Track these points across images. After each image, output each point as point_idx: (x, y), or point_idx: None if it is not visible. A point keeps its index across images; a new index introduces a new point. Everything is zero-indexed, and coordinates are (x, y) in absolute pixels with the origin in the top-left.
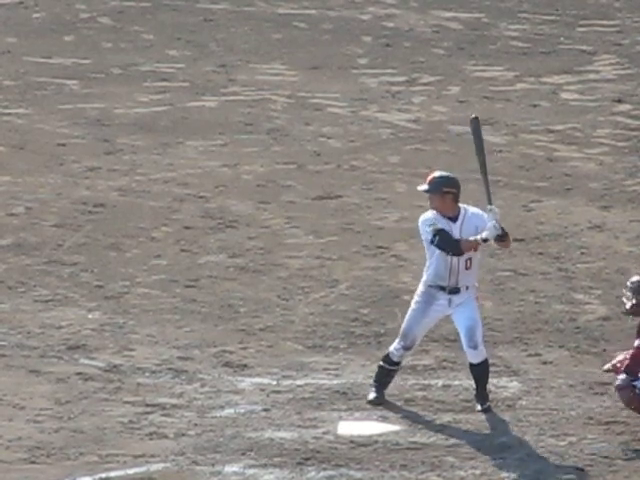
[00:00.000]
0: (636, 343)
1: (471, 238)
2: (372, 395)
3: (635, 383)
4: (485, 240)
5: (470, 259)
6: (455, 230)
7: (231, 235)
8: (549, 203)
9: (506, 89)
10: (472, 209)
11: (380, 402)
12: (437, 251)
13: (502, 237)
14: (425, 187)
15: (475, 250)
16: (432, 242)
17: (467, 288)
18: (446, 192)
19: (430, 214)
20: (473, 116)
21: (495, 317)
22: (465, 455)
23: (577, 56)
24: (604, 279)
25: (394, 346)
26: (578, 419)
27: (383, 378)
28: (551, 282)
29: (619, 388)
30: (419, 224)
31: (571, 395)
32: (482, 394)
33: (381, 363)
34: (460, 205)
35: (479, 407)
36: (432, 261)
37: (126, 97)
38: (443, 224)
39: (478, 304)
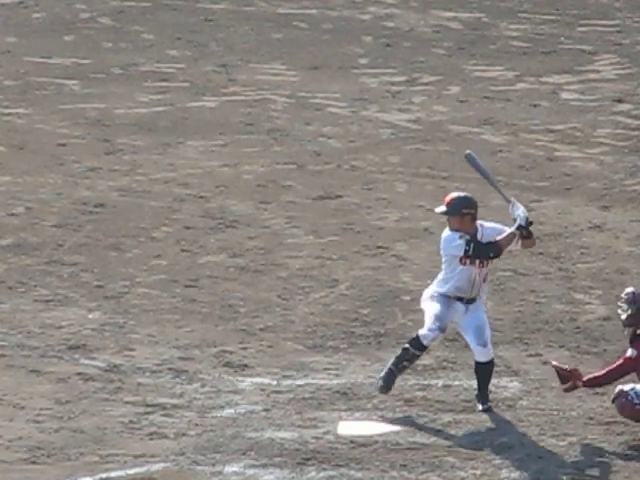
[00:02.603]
0: (628, 353)
1: (504, 234)
2: (381, 383)
3: (627, 390)
4: (520, 228)
5: (487, 274)
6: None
7: (231, 235)
8: (549, 203)
9: (506, 89)
10: (487, 224)
11: (389, 390)
12: (460, 267)
13: (529, 224)
14: (443, 209)
15: (510, 244)
16: (467, 252)
17: (481, 297)
18: (465, 213)
19: (450, 232)
20: (467, 152)
21: (495, 317)
22: (465, 455)
23: (577, 56)
24: (604, 279)
25: (428, 327)
26: (578, 419)
27: (407, 363)
28: (551, 282)
29: (614, 399)
30: (442, 242)
31: (571, 395)
32: (483, 394)
33: (407, 346)
34: (476, 223)
35: (480, 407)
36: (453, 275)
37: (126, 97)
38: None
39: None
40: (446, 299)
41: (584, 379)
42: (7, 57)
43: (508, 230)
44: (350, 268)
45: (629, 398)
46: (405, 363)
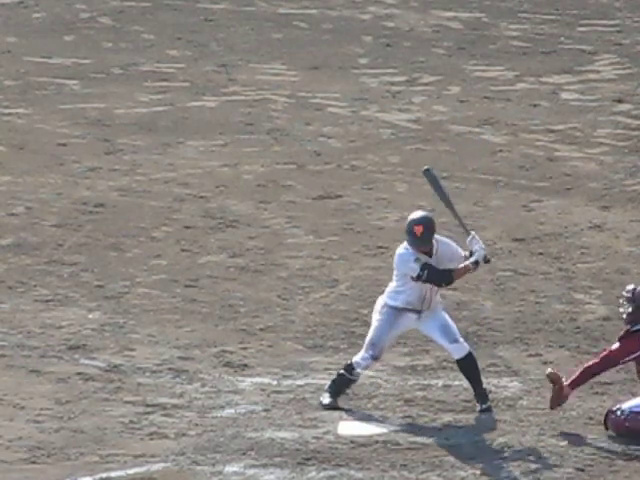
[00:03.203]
0: (613, 346)
1: (461, 266)
2: (327, 399)
3: (615, 409)
4: (476, 263)
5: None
6: (432, 264)
7: (231, 235)
8: (549, 203)
9: (506, 89)
10: (442, 239)
11: (335, 407)
12: (412, 283)
13: (487, 262)
14: (423, 245)
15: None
16: (420, 277)
17: (432, 308)
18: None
19: (405, 250)
20: (425, 168)
21: (495, 317)
22: (465, 455)
23: (577, 56)
24: (604, 279)
25: (361, 356)
26: (578, 419)
27: (342, 387)
28: (551, 282)
29: (605, 419)
30: (396, 258)
31: (571, 395)
32: (481, 393)
33: (342, 372)
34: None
35: (479, 407)
36: (404, 290)
37: (126, 97)
38: (411, 266)
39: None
40: (394, 313)
41: (567, 383)
42: (7, 57)
43: (465, 262)
44: (350, 268)
45: (618, 414)
46: (345, 389)
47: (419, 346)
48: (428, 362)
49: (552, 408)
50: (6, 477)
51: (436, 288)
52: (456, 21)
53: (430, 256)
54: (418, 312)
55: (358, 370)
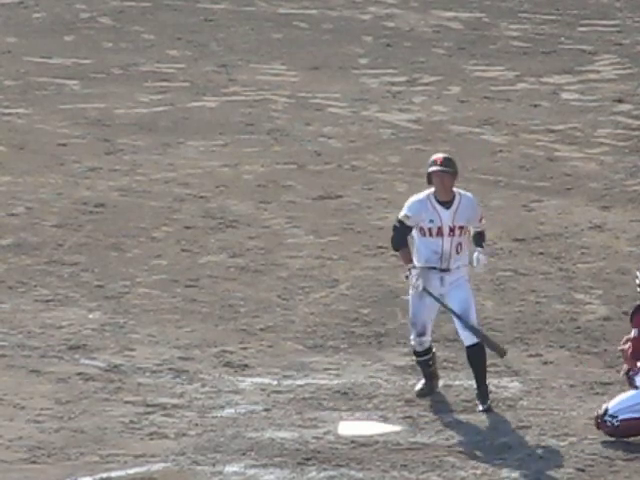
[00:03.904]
0: (632, 333)
1: (407, 266)
2: (418, 386)
3: (606, 418)
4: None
5: (460, 244)
6: (446, 218)
7: (231, 235)
8: (549, 203)
9: (507, 89)
10: (466, 194)
11: (425, 394)
12: (423, 237)
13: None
14: (440, 168)
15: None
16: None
17: (458, 267)
18: (457, 171)
19: (417, 199)
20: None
21: (496, 317)
22: (466, 455)
23: (578, 56)
24: (604, 279)
25: (412, 338)
26: (579, 419)
27: (424, 369)
28: (552, 282)
29: (598, 427)
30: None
31: (572, 395)
32: (483, 391)
33: (414, 357)
34: (454, 190)
35: (480, 407)
36: (419, 244)
37: (127, 97)
38: (430, 213)
39: (471, 287)
40: (422, 278)
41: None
42: (7, 57)
43: (409, 266)
44: (350, 268)
45: (608, 424)
46: (427, 369)
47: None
48: None
49: None
50: (6, 477)
51: (459, 248)
52: (456, 21)
53: (448, 208)
54: (440, 273)
55: (419, 349)
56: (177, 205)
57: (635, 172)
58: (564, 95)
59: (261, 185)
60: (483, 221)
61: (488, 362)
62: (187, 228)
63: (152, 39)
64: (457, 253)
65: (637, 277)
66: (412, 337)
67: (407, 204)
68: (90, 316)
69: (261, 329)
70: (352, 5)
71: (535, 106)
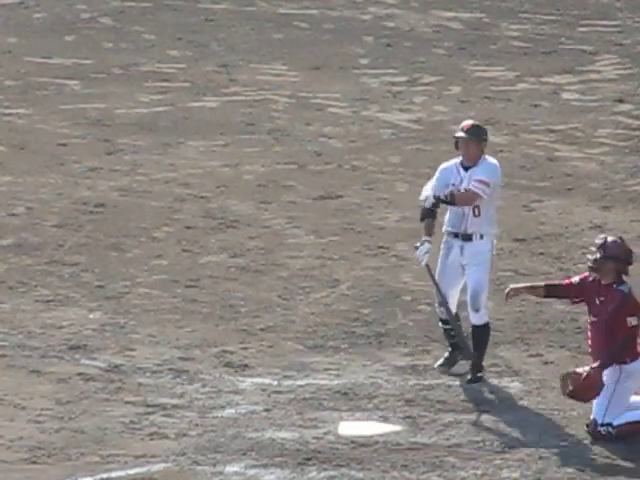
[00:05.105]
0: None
1: (423, 237)
2: (440, 361)
3: (599, 429)
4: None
5: (478, 207)
6: (465, 180)
7: (232, 235)
8: (550, 203)
9: (507, 89)
10: (488, 159)
11: (445, 370)
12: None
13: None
14: (463, 134)
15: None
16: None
17: (480, 237)
18: (485, 139)
19: (445, 165)
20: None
21: (496, 317)
22: (466, 455)
23: (578, 56)
24: None
25: (436, 306)
26: (579, 419)
27: (447, 339)
28: None
29: (593, 436)
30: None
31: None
32: (476, 364)
33: (440, 325)
34: (484, 156)
35: (469, 377)
36: (449, 210)
37: (127, 97)
38: (454, 177)
39: (492, 261)
40: (444, 250)
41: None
42: (8, 57)
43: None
44: (351, 268)
45: (603, 433)
46: (450, 339)
47: (419, 346)
48: (429, 362)
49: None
50: (7, 477)
51: (477, 211)
52: (456, 21)
53: (467, 170)
54: (461, 242)
55: (441, 317)
56: (177, 205)
57: (635, 172)
58: (564, 95)
59: (261, 185)
60: (478, 185)
61: (489, 363)
62: (187, 228)
63: (152, 39)
64: (474, 216)
65: (597, 239)
66: (436, 307)
67: (437, 171)
68: (90, 316)
69: (261, 329)
70: (352, 5)
71: (535, 106)
